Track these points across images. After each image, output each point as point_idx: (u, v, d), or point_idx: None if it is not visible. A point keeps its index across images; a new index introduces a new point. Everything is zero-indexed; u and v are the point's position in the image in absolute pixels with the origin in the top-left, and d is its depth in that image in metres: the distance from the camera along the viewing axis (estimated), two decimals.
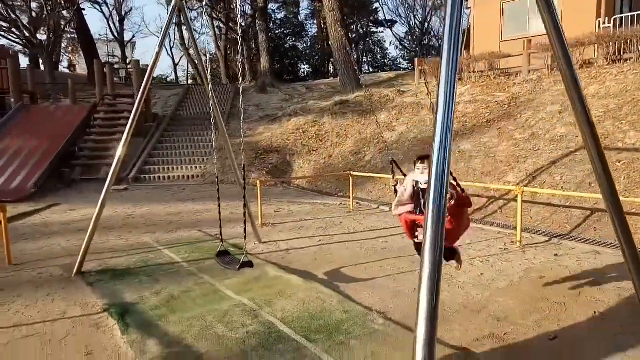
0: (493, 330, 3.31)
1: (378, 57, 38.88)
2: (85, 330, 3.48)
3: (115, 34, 35.42)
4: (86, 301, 4.04)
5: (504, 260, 4.94)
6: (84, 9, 25.71)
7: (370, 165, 10.44)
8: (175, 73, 39.41)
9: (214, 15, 27.76)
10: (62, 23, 23.99)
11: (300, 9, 36.57)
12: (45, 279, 4.65)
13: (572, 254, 5.02)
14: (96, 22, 49.96)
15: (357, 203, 8.36)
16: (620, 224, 2.73)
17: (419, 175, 3.26)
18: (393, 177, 3.59)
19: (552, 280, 4.25)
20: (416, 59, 14.35)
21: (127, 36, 36.61)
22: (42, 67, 23.72)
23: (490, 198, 7.24)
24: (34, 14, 23.67)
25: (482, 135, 9.13)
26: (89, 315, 3.75)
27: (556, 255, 4.99)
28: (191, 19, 35.75)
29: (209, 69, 5.15)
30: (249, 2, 23.11)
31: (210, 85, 5.04)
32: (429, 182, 1.61)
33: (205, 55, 38.95)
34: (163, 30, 5.14)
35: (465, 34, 14.19)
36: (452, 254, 3.56)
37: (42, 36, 24.30)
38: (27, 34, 23.23)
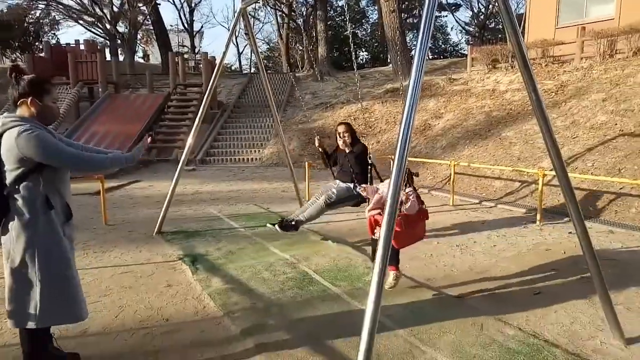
0: (489, 286, 3.97)
1: (440, 42, 38.40)
2: (165, 271, 4.55)
3: (185, 24, 37.75)
4: (165, 252, 5.15)
5: (520, 235, 5.48)
6: (159, 3, 27.80)
7: (415, 151, 11.00)
8: (239, 61, 41.34)
9: (277, 6, 28.88)
10: (141, 17, 26.24)
11: None
12: (134, 236, 5.85)
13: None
14: (168, 13, 53.06)
15: None
16: None
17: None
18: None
19: (556, 253, 4.78)
20: (468, 46, 14.51)
21: (196, 27, 38.84)
22: (120, 58, 26.21)
23: (523, 182, 7.65)
24: (115, 9, 26.10)
25: (525, 123, 9.40)
26: (168, 261, 4.83)
27: (570, 233, 5.44)
28: (255, 9, 37.21)
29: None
30: None
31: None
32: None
33: (268, 44, 39.89)
34: (229, 35, 6.10)
35: (522, 21, 14.13)
36: (393, 259, 3.70)
37: (120, 29, 26.78)
38: (108, 28, 25.73)
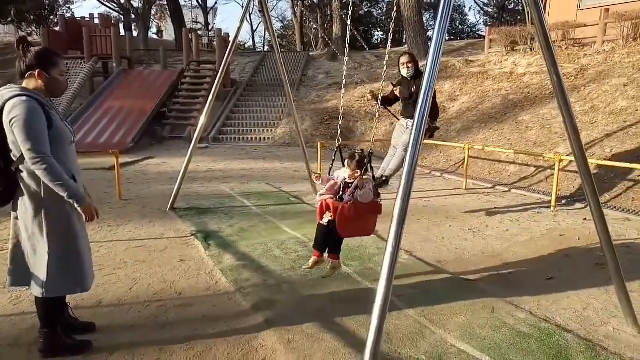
0: (501, 270, 3.95)
1: (457, 23, 37.58)
2: (178, 246, 4.60)
3: (199, 0, 37.32)
4: (178, 227, 5.20)
5: (533, 220, 5.43)
6: None
7: None
8: (253, 39, 41.03)
9: None
10: None
11: None
12: (147, 211, 5.92)
13: None
14: None
15: None
16: None
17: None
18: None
19: (570, 239, 4.73)
20: (487, 27, 14.17)
21: (209, 3, 38.43)
22: (134, 34, 26.12)
23: (538, 167, 7.54)
24: None
25: (543, 107, 9.21)
26: (181, 237, 4.89)
27: (585, 219, 5.37)
28: None
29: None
30: None
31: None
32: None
33: (282, 22, 39.37)
34: (242, 12, 6.01)
35: (543, 2, 13.72)
36: (335, 247, 3.45)
37: (135, 3, 26.64)
38: (122, 2, 25.60)
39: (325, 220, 3.32)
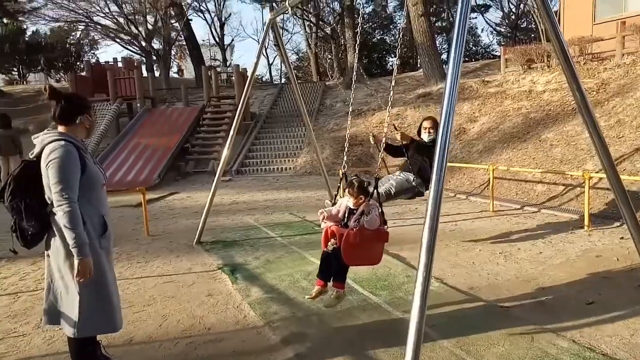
0: (537, 295, 3.80)
1: (470, 45, 37.71)
2: (205, 280, 4.61)
3: (217, 38, 38.57)
4: (205, 261, 5.22)
5: (567, 241, 5.25)
6: (190, 19, 28.58)
7: (451, 155, 10.78)
8: (270, 73, 41.83)
9: (304, 16, 29.14)
10: (174, 34, 27.09)
11: (389, 1, 36.62)
12: (174, 246, 5.97)
13: None
14: (200, 28, 54.71)
15: None
16: None
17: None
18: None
19: (607, 259, 4.54)
20: (501, 47, 14.17)
21: (227, 40, 39.63)
22: (156, 74, 27.06)
23: (566, 186, 7.35)
24: (149, 27, 27.04)
25: (566, 124, 9.05)
26: (208, 271, 4.90)
27: (622, 238, 5.16)
28: (283, 19, 37.61)
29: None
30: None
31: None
32: None
33: (297, 54, 40.14)
34: (259, 47, 6.18)
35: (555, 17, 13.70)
36: (340, 276, 3.32)
37: (155, 45, 27.70)
38: (144, 45, 26.69)
39: (330, 248, 3.25)
